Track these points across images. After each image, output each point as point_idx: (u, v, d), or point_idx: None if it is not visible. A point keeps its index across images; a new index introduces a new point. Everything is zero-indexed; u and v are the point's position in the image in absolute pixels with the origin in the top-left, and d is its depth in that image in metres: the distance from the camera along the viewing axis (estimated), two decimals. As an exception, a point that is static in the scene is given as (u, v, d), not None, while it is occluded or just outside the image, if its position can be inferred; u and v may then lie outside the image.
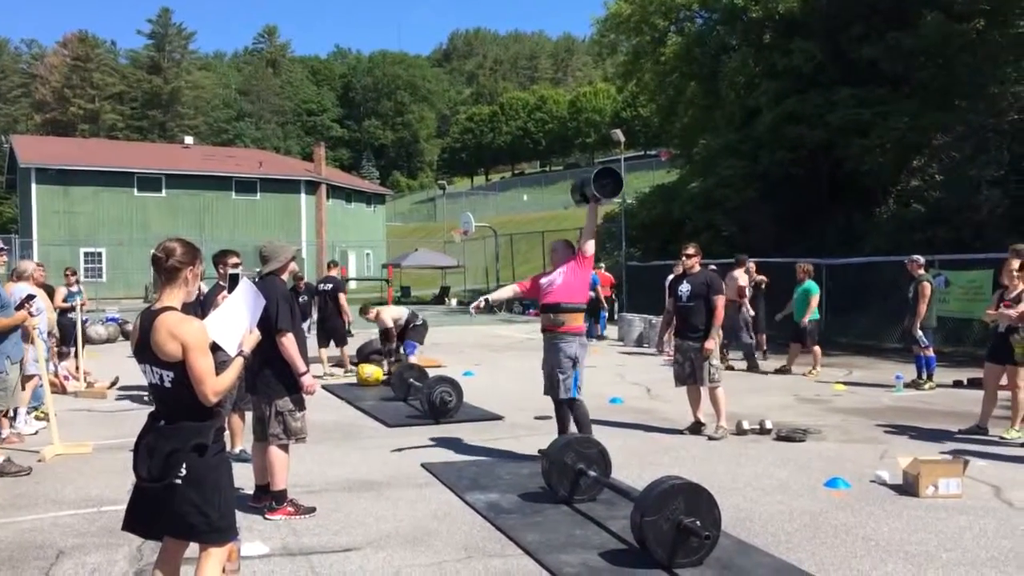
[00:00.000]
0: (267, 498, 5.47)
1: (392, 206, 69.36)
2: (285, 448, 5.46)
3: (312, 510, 5.47)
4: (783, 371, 12.38)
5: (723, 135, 24.08)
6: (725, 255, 20.44)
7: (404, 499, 5.87)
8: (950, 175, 18.43)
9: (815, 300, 12.21)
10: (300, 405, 5.51)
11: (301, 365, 5.39)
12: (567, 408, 6.81)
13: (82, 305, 12.05)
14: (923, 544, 4.84)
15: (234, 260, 6.63)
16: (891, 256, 14.24)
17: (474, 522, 5.34)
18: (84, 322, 12.51)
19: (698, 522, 4.36)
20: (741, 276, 13.19)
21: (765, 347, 14.00)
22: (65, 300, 11.80)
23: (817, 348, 12.38)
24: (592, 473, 5.61)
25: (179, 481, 3.18)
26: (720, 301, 8.01)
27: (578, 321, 6.75)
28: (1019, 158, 16.75)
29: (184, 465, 3.18)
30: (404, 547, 4.87)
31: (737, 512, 5.43)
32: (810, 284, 12.38)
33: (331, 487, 6.16)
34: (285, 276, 5.74)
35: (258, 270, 5.68)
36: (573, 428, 6.79)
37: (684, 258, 8.19)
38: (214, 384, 3.23)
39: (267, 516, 5.36)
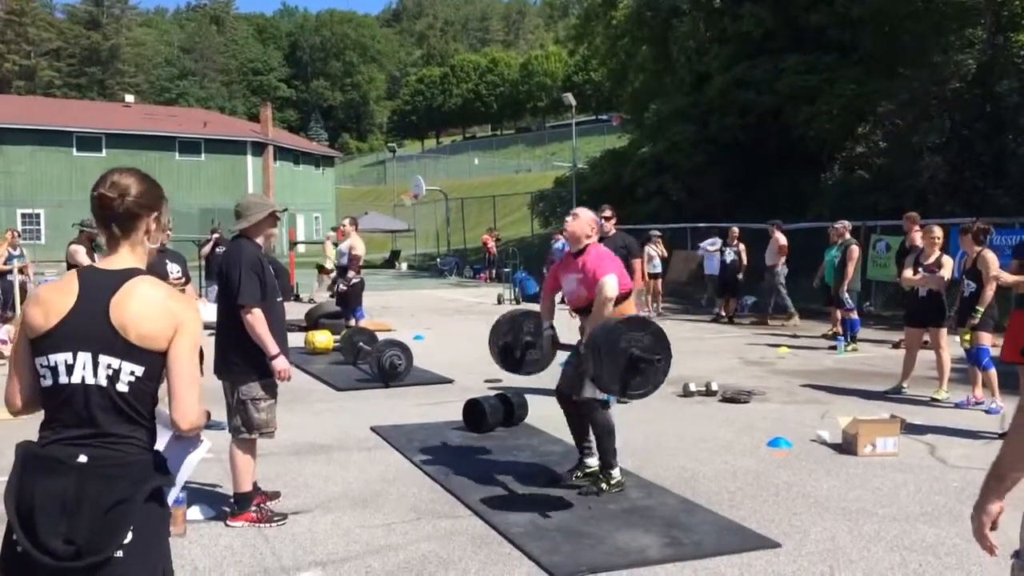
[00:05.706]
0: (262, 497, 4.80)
1: (341, 169, 68.36)
2: (248, 445, 4.67)
3: (283, 518, 4.67)
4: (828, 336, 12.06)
5: (674, 100, 24.15)
6: (675, 219, 20.60)
7: (353, 462, 5.87)
8: (893, 142, 18.77)
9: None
10: (270, 393, 4.71)
11: (272, 346, 4.55)
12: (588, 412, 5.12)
13: (24, 268, 11.77)
14: (860, 500, 5.00)
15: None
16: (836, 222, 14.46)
17: (423, 484, 5.36)
18: (24, 284, 12.20)
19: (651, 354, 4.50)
20: (781, 237, 14.01)
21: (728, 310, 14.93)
22: (6, 262, 11.51)
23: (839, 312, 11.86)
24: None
25: (120, 553, 2.01)
26: (638, 264, 8.01)
27: (627, 308, 5.14)
28: (960, 126, 17.09)
29: (133, 525, 2.03)
30: (353, 509, 4.88)
31: (683, 472, 5.53)
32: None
33: (279, 450, 6.11)
34: (261, 239, 4.81)
35: (231, 229, 4.94)
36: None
37: (602, 220, 8.11)
38: (199, 400, 2.14)
39: (228, 522, 4.61)
